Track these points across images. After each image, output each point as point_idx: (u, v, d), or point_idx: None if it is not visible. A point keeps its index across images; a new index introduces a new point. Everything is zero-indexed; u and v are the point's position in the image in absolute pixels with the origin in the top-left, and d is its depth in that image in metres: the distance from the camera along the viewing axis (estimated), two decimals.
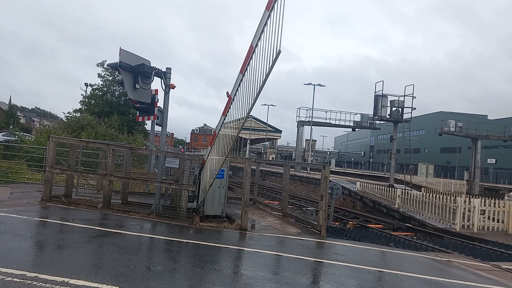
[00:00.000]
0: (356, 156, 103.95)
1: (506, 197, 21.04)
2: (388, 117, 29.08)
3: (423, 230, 15.30)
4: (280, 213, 12.14)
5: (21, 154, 17.25)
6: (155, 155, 11.94)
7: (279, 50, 5.71)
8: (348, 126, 38.45)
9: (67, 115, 32.19)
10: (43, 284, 4.25)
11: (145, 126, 38.27)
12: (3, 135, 31.70)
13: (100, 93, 36.90)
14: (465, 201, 14.54)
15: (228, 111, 7.78)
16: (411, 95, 27.90)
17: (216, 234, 8.31)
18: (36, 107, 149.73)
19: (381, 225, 17.04)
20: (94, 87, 37.32)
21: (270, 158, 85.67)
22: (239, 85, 7.06)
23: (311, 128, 45.48)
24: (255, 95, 6.54)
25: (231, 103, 7.57)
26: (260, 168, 18.54)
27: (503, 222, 14.74)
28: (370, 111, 31.89)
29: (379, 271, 6.63)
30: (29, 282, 4.28)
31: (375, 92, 29.39)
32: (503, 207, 14.78)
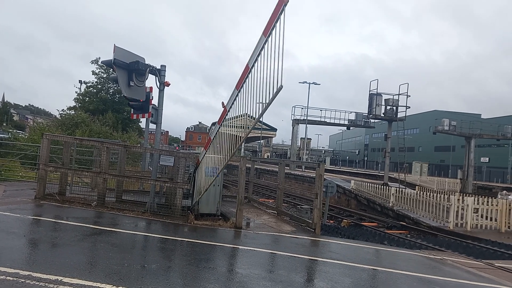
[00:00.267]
0: (351, 155, 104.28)
1: (499, 196, 21.22)
2: (383, 115, 29.23)
3: (417, 228, 15.39)
4: (275, 211, 12.16)
5: (14, 151, 17.14)
6: (149, 153, 11.91)
7: (281, 85, 5.73)
8: (343, 125, 38.51)
9: (61, 112, 32.00)
10: (37, 283, 4.23)
11: (139, 123, 38.13)
12: None
13: (95, 91, 36.70)
14: (458, 199, 14.64)
15: (223, 121, 7.93)
16: (406, 94, 28.06)
17: (211, 232, 8.30)
18: (29, 104, 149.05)
19: (376, 223, 17.11)
20: (88, 84, 37.14)
21: (265, 157, 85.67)
22: (235, 99, 7.18)
23: (306, 127, 45.51)
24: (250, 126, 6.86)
25: (226, 115, 7.69)
26: (255, 166, 18.56)
27: (496, 220, 14.86)
28: (365, 110, 32.04)
29: (373, 269, 6.66)
30: (23, 280, 4.26)
31: (370, 91, 29.52)
32: (496, 205, 14.90)
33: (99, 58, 34.85)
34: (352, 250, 8.38)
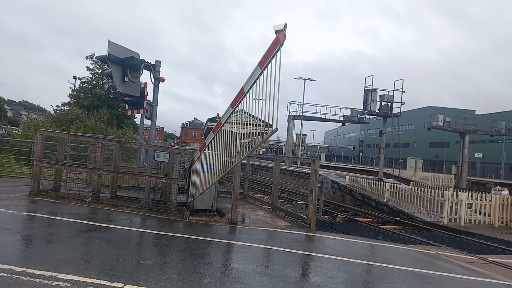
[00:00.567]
0: (346, 151, 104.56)
1: (492, 191, 21.39)
2: (378, 111, 29.28)
3: (411, 224, 15.48)
4: (270, 207, 12.18)
5: (8, 147, 17.01)
6: (144, 149, 11.87)
7: (276, 128, 6.28)
8: (338, 121, 38.63)
9: (55, 108, 31.78)
10: (31, 279, 4.21)
11: (134, 119, 38.01)
12: None
13: (89, 87, 36.50)
14: (452, 195, 14.73)
15: (218, 132, 8.06)
16: (401, 90, 28.14)
17: (206, 228, 8.31)
18: (23, 100, 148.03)
19: (370, 219, 17.19)
20: (83, 80, 36.90)
21: (261, 152, 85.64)
22: (230, 115, 7.45)
23: (302, 123, 45.51)
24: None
25: (221, 126, 7.87)
26: (250, 162, 18.56)
27: (489, 215, 14.97)
28: (360, 106, 32.10)
29: (368, 264, 6.69)
30: (17, 276, 4.24)
31: (365, 87, 29.56)
32: (490, 200, 15.01)
33: (94, 53, 34.65)
34: (347, 245, 8.42)
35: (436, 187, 19.83)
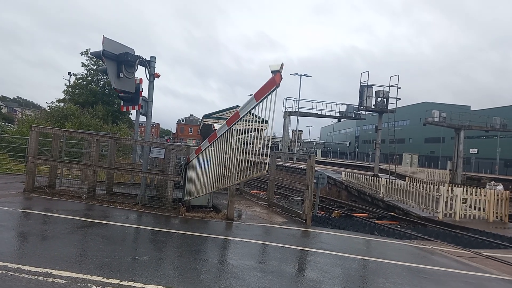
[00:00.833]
0: (342, 146, 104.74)
1: (487, 186, 21.53)
2: (373, 107, 29.31)
3: (407, 219, 15.56)
4: (267, 203, 12.20)
5: (2, 144, 16.92)
6: (140, 145, 11.84)
7: (268, 164, 6.81)
8: (334, 117, 38.68)
9: (50, 104, 31.61)
10: (26, 276, 4.19)
11: (130, 116, 37.89)
12: None
13: (84, 83, 36.32)
14: (447, 190, 14.80)
15: (213, 143, 8.20)
16: (396, 85, 28.16)
17: (202, 224, 8.30)
18: (18, 96, 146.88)
19: (366, 214, 17.26)
20: (78, 76, 36.70)
21: (257, 149, 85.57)
22: (224, 132, 7.70)
23: (298, 119, 45.55)
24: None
25: (216, 140, 8.06)
26: None
27: (484, 210, 15.07)
28: (355, 102, 32.12)
29: (364, 259, 6.72)
30: (12, 273, 4.22)
31: (360, 83, 29.56)
32: (484, 195, 15.10)
33: (89, 49, 34.42)
34: (343, 240, 8.45)
35: (432, 183, 19.92)
